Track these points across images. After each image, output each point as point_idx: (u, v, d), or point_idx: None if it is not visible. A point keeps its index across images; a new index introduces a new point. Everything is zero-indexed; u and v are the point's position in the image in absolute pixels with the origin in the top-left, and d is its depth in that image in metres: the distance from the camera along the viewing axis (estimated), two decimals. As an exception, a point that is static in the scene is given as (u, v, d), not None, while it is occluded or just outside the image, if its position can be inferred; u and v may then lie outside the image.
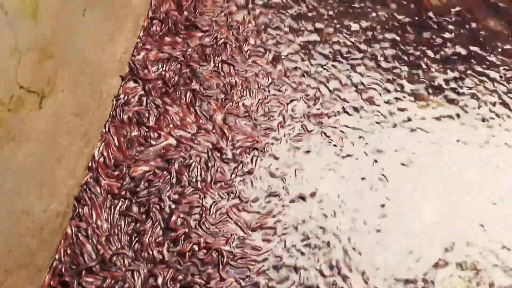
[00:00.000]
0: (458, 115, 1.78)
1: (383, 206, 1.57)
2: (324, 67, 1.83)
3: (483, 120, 1.78)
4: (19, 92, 0.99)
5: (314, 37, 1.90)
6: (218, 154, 1.59)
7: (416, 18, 2.00)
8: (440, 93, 1.83)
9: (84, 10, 1.23)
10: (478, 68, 1.91)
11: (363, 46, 1.90)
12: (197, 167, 1.57)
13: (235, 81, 1.75)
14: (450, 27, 2.00)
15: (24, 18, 0.96)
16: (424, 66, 1.89)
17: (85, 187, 1.44)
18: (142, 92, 1.67)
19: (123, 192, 1.46)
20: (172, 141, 1.60)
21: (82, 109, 1.36)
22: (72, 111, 1.29)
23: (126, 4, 1.62)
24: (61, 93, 1.19)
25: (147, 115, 1.62)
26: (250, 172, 1.58)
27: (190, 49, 1.79)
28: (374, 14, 1.99)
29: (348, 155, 1.65)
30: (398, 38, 1.94)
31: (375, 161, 1.64)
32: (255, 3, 1.94)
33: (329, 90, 1.79)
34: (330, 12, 1.97)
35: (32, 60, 1.01)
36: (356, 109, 1.75)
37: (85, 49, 1.30)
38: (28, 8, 0.96)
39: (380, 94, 1.80)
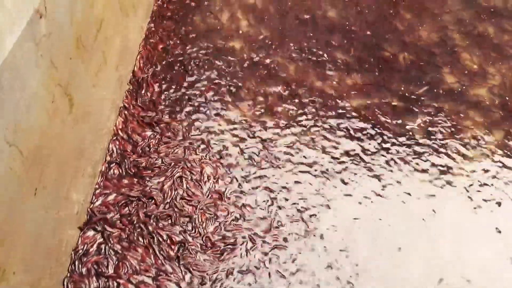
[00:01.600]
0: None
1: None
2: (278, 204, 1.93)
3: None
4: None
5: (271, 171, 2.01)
6: (178, 298, 1.62)
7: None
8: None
9: (36, 189, 1.31)
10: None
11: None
12: (158, 315, 1.58)
13: (194, 215, 1.82)
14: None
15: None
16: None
17: None
18: (101, 240, 1.72)
19: None
20: (132, 288, 1.63)
21: (38, 278, 1.39)
22: (26, 286, 1.32)
23: (83, 155, 1.72)
24: (13, 275, 1.23)
25: (106, 263, 1.66)
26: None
27: (147, 188, 1.87)
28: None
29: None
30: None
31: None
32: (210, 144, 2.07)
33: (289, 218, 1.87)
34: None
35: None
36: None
37: (39, 223, 1.36)
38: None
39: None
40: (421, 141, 2.13)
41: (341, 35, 2.53)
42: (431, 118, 2.21)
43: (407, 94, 2.29)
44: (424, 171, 2.02)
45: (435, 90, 2.32)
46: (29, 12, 1.12)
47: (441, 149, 2.10)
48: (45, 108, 1.32)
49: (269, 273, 1.70)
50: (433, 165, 2.04)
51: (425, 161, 2.06)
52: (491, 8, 2.74)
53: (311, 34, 2.52)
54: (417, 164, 2.04)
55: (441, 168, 2.03)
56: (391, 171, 2.01)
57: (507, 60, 2.48)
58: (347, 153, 2.06)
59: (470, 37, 2.58)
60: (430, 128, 2.18)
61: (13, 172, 1.18)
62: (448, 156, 2.08)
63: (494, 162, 2.07)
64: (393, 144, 2.10)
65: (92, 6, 1.56)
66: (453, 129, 2.18)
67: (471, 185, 1.99)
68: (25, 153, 1.22)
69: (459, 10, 2.72)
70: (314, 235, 1.80)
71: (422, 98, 2.29)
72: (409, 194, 1.94)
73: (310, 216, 1.86)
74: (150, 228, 1.76)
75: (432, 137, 2.15)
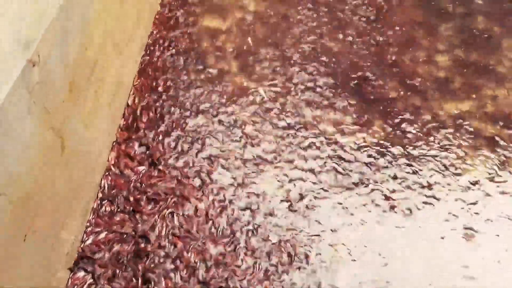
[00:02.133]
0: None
1: None
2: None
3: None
4: None
5: (268, 213, 2.01)
6: None
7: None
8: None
9: (25, 236, 1.30)
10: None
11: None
12: None
13: (186, 254, 1.80)
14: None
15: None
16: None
17: None
18: (91, 281, 1.69)
19: None
20: (122, 331, 1.60)
21: (25, 324, 1.37)
22: (13, 335, 1.29)
23: (75, 195, 1.71)
24: (0, 326, 1.20)
25: (96, 306, 1.64)
26: None
27: (139, 225, 1.86)
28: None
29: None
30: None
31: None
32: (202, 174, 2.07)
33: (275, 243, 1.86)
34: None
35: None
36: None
37: (29, 267, 1.34)
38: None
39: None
40: (429, 174, 2.14)
41: (334, 72, 2.56)
42: (437, 154, 2.23)
43: (407, 130, 2.30)
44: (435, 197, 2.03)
45: (437, 124, 2.33)
46: (22, 64, 1.13)
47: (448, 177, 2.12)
48: (37, 153, 1.32)
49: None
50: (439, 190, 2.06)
51: (435, 198, 2.06)
52: (482, 33, 2.79)
53: (307, 71, 2.55)
54: (425, 195, 2.06)
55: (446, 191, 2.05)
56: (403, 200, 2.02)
57: (502, 85, 2.51)
58: (355, 185, 2.07)
59: (463, 65, 2.62)
60: (439, 164, 2.19)
61: (1, 220, 1.17)
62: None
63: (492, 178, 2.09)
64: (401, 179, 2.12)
65: (86, 50, 1.58)
66: (460, 162, 2.20)
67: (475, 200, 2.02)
68: (15, 201, 1.21)
69: (451, 36, 2.77)
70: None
71: (423, 134, 2.29)
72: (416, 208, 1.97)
73: (316, 255, 1.86)
74: (140, 267, 1.74)
75: (439, 171, 2.16)
